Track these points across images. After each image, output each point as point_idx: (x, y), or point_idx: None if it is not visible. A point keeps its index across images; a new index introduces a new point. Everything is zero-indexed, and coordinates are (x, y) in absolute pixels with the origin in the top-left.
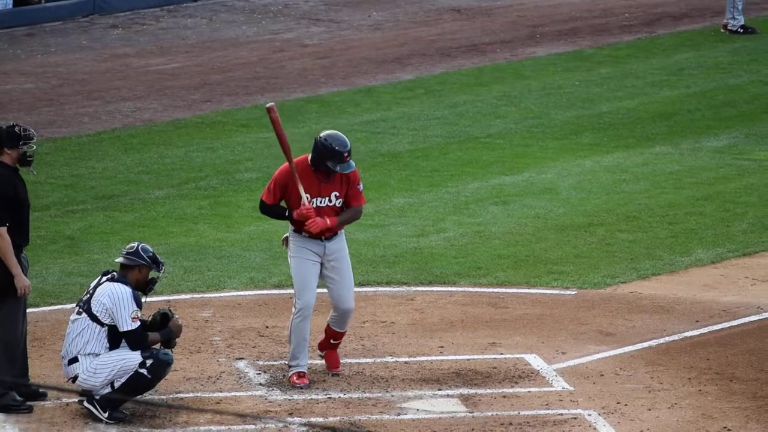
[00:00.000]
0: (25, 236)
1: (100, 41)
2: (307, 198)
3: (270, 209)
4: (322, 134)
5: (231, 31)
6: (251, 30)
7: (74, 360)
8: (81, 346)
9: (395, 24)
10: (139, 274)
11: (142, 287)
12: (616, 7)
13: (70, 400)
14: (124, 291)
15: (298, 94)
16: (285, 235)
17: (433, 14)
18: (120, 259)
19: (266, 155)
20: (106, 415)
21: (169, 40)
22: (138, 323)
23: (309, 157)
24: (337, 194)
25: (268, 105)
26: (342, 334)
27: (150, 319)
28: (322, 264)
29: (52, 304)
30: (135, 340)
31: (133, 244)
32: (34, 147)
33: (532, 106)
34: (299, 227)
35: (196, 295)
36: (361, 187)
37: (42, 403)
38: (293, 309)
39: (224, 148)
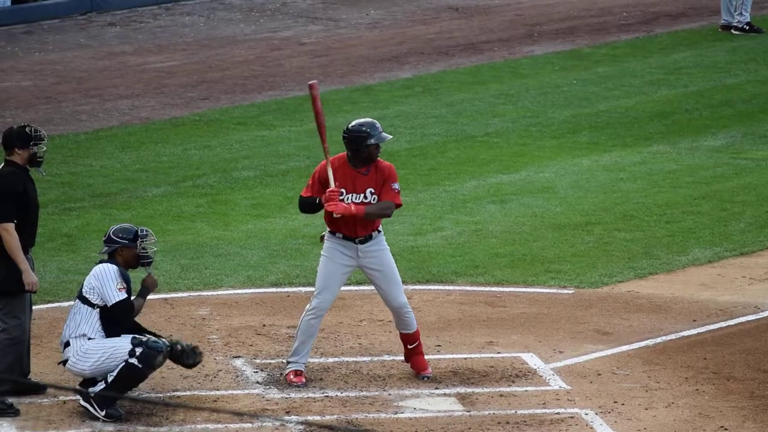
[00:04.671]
0: (32, 237)
1: (98, 39)
2: (337, 185)
3: (303, 201)
4: (349, 126)
5: (228, 29)
6: (249, 28)
7: (68, 344)
8: (73, 329)
9: (393, 22)
10: (123, 256)
11: (133, 265)
12: (613, 6)
13: (68, 398)
14: (108, 268)
15: (295, 92)
16: (323, 233)
17: (430, 13)
18: (104, 250)
19: (264, 153)
20: (103, 413)
21: (167, 38)
22: (125, 294)
23: (346, 155)
24: (373, 190)
25: (310, 82)
26: (414, 336)
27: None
28: (361, 268)
29: (49, 302)
30: (124, 310)
31: (108, 231)
32: (45, 148)
33: (530, 104)
34: (334, 227)
35: (193, 293)
36: (396, 186)
37: (39, 400)
38: (308, 306)
39: (222, 146)
